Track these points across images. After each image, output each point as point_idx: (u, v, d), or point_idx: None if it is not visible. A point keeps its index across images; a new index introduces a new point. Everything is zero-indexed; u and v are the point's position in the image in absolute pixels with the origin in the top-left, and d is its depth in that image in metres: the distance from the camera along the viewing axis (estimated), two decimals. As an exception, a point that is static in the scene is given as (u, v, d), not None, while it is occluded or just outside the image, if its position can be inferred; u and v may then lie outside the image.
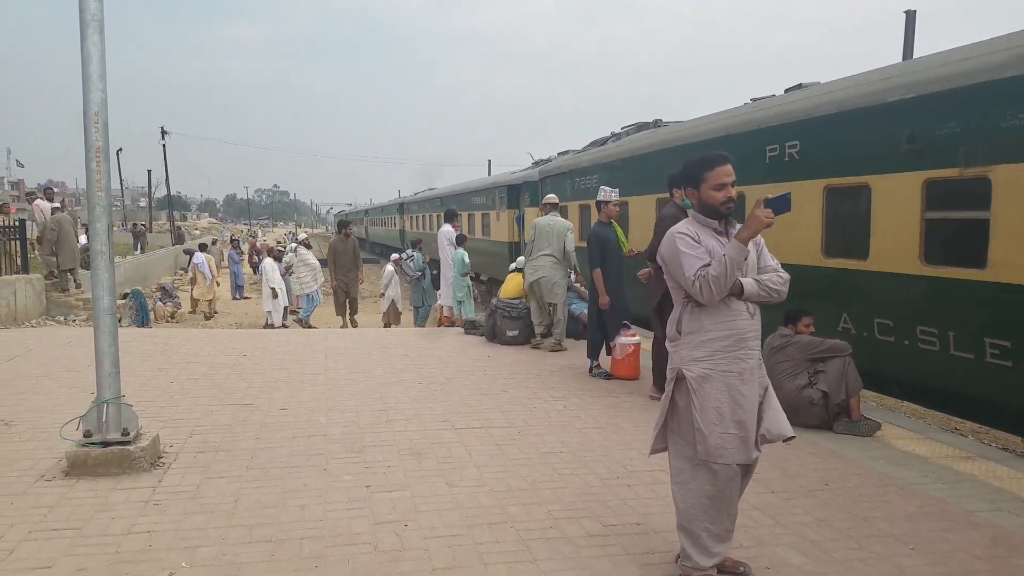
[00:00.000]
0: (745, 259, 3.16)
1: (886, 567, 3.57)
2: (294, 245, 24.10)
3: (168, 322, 17.69)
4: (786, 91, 9.01)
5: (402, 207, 41.24)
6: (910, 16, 15.68)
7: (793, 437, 3.39)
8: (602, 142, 14.73)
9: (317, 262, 15.81)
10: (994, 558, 3.68)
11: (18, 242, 14.01)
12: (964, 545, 3.82)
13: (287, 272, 16.62)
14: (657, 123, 13.16)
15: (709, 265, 3.13)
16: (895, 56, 16.55)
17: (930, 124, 6.17)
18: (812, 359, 5.89)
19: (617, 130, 14.38)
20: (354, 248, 14.85)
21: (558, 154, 17.66)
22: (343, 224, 15.47)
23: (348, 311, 14.75)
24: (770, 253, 3.39)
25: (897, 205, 6.47)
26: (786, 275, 3.34)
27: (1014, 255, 5.50)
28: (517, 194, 18.83)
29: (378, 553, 3.61)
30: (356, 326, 14.36)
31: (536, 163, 19.52)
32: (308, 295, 15.34)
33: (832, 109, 7.30)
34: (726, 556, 3.38)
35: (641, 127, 13.47)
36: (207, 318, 18.75)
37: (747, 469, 3.38)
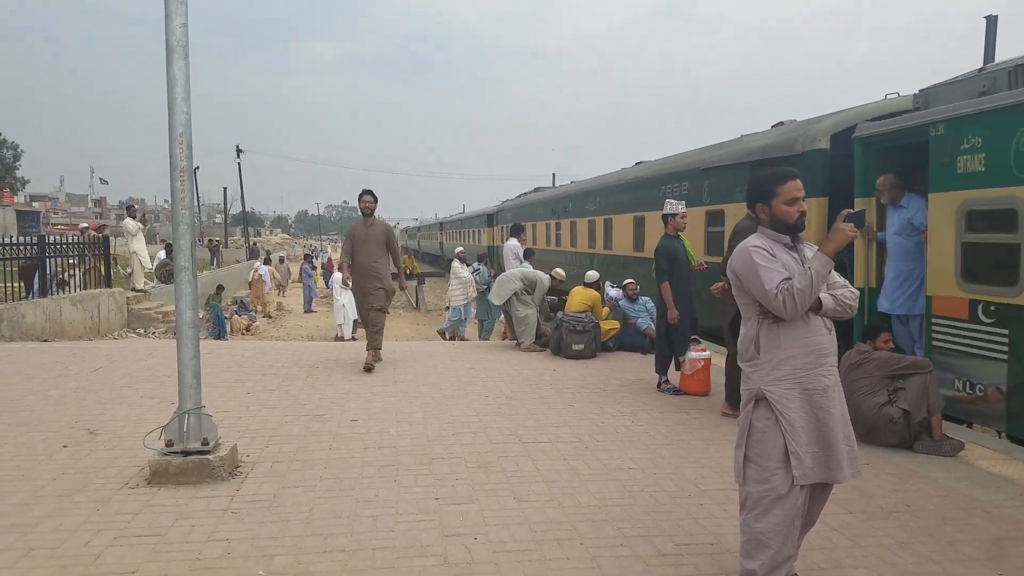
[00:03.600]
0: (829, 272, 3.09)
1: (973, 594, 3.43)
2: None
3: (244, 334, 18.23)
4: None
5: (441, 225, 56.77)
6: (991, 21, 15.07)
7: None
8: (517, 196, 30.45)
9: (469, 276, 15.15)
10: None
11: (103, 257, 14.67)
12: (1058, 573, 3.64)
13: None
14: (542, 188, 27.97)
15: (790, 279, 3.06)
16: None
17: None
18: (891, 376, 5.71)
19: (529, 190, 29.69)
20: (386, 238, 9.09)
21: (517, 196, 31.67)
22: (363, 193, 9.10)
23: (368, 332, 9.03)
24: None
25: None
26: (856, 291, 3.26)
27: None
28: (492, 219, 33.39)
29: (449, 566, 3.63)
30: (370, 370, 8.55)
31: (503, 202, 33.50)
32: (455, 308, 14.79)
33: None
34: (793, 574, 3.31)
35: (537, 189, 28.79)
36: (268, 318, 22.96)
37: (824, 488, 3.30)
